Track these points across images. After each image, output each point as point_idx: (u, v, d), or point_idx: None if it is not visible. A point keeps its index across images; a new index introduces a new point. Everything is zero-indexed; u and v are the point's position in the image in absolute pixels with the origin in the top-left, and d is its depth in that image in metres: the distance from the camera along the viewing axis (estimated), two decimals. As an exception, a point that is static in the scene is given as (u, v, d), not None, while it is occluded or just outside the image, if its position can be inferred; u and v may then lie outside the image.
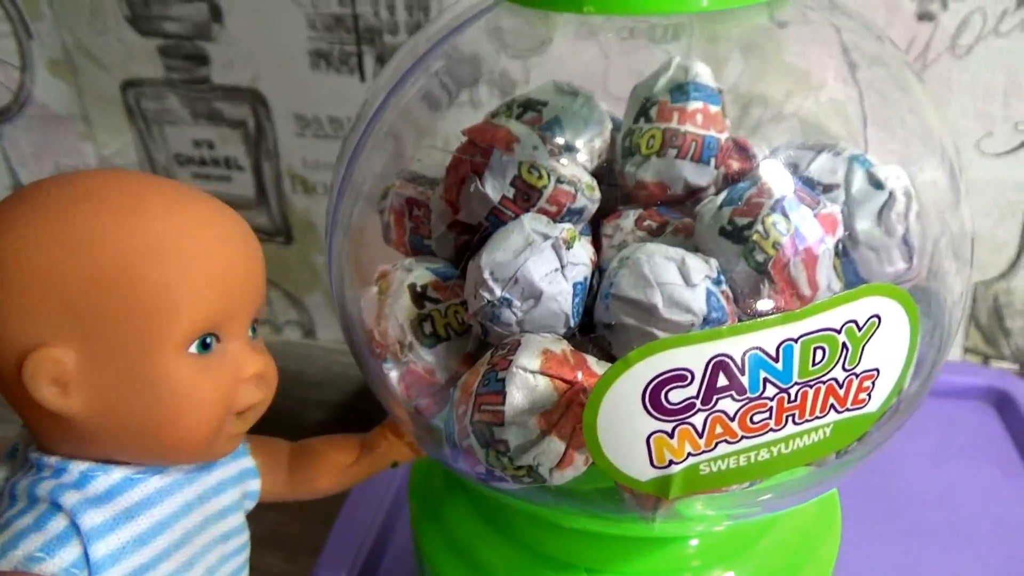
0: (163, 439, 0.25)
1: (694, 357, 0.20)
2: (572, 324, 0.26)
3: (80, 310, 0.24)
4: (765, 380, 0.20)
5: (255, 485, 0.31)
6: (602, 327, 0.26)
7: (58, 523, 0.24)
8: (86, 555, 0.24)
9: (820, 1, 0.30)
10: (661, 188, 0.31)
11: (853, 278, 0.29)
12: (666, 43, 0.35)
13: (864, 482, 0.47)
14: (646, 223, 0.31)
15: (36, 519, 0.24)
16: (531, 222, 0.26)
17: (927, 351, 0.26)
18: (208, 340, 0.25)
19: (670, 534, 0.28)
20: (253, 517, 0.70)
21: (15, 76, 0.67)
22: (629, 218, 0.31)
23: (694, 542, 0.31)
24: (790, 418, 0.21)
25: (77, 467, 0.25)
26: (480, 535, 0.31)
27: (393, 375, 0.27)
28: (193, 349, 0.25)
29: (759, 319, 0.20)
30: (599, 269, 0.29)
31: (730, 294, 0.25)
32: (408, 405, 0.27)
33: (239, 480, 0.30)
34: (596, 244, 0.32)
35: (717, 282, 0.25)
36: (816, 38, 0.32)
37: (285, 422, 0.82)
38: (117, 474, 0.26)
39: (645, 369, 0.20)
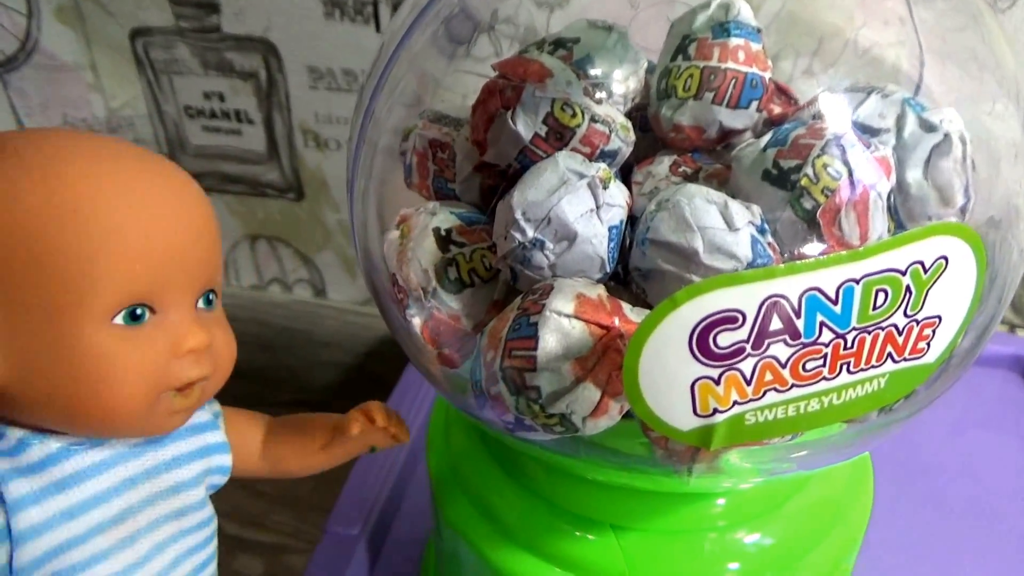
0: (88, 411, 0.24)
1: (747, 297, 0.18)
2: (608, 269, 0.24)
3: (1, 271, 0.23)
4: (822, 324, 0.19)
5: (224, 460, 0.29)
6: (637, 274, 0.25)
7: None
8: (8, 526, 0.23)
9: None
10: (698, 132, 0.29)
11: (899, 229, 0.27)
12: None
13: (887, 451, 0.46)
14: (681, 169, 0.29)
15: None
16: (565, 160, 0.25)
17: (984, 304, 0.25)
18: (138, 311, 0.24)
19: (700, 489, 0.27)
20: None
21: (21, 23, 0.65)
22: (663, 164, 0.29)
23: (721, 501, 0.30)
24: (845, 366, 0.20)
25: (15, 434, 0.24)
26: (502, 492, 0.30)
27: (416, 321, 0.26)
28: (119, 320, 0.23)
29: (819, 258, 0.18)
30: (631, 216, 0.27)
31: (776, 245, 0.24)
32: (432, 353, 0.26)
33: (201, 455, 0.28)
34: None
35: (762, 231, 0.24)
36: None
37: (295, 381, 0.83)
38: (53, 444, 0.24)
39: (693, 310, 0.18)
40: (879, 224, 0.24)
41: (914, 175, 0.27)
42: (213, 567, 0.29)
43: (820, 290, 0.18)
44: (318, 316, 0.73)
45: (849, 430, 0.26)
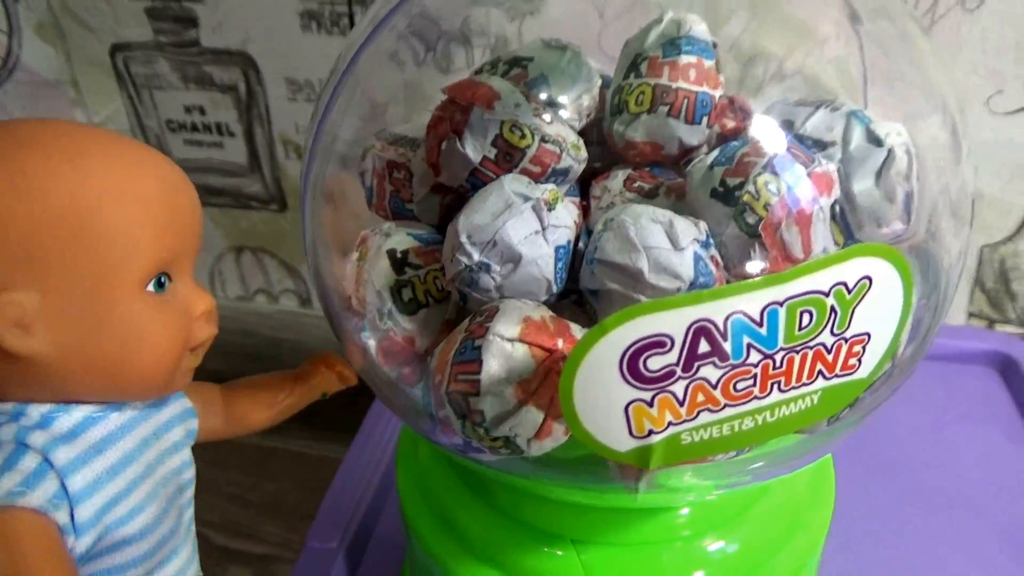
0: (127, 375, 0.26)
1: (674, 322, 0.19)
2: (554, 290, 0.25)
3: (39, 254, 0.24)
4: (749, 346, 0.19)
5: (194, 424, 0.32)
6: (588, 293, 0.25)
7: (30, 461, 0.25)
8: (64, 488, 0.25)
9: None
10: (653, 148, 0.29)
11: (849, 240, 0.28)
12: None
13: (865, 446, 0.47)
14: (637, 184, 0.30)
15: (5, 460, 0.25)
16: (511, 183, 0.25)
17: (923, 314, 0.25)
18: (163, 279, 0.27)
19: (657, 505, 0.27)
20: (251, 487, 0.70)
21: (2, 40, 0.66)
22: (618, 179, 0.30)
23: (684, 511, 0.30)
24: (775, 385, 0.20)
25: (36, 410, 0.26)
26: (466, 506, 0.31)
27: (371, 343, 0.26)
28: (150, 288, 0.26)
29: (742, 282, 0.19)
30: (589, 232, 0.28)
31: (719, 259, 0.24)
32: (387, 375, 0.27)
33: (182, 419, 0.31)
34: (585, 206, 0.31)
35: (706, 245, 0.24)
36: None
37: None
38: (78, 414, 0.26)
39: (621, 336, 0.19)
40: (821, 236, 0.25)
41: (861, 187, 0.28)
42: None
43: (745, 313, 0.19)
44: (304, 326, 0.73)
45: (801, 440, 0.27)
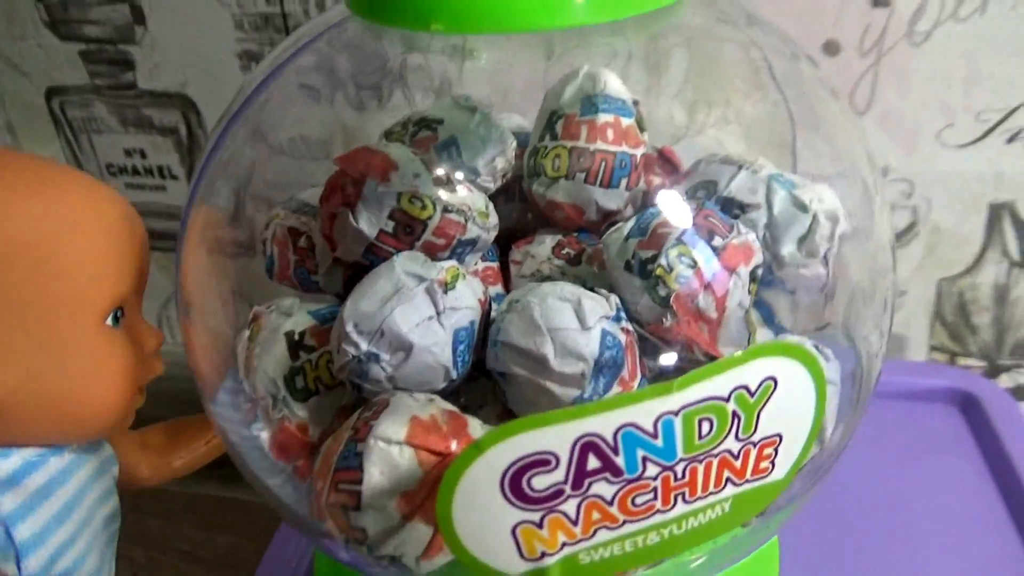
0: (81, 413, 0.25)
1: (557, 438, 0.17)
2: (454, 376, 0.23)
3: None
4: (644, 459, 0.17)
5: (116, 471, 0.30)
6: (496, 374, 0.24)
7: None
8: (10, 537, 0.24)
9: (737, 15, 0.27)
10: (578, 211, 0.28)
11: (784, 290, 0.26)
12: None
13: (817, 494, 0.45)
14: (564, 251, 0.28)
15: None
16: (404, 263, 0.23)
17: (848, 395, 0.23)
18: (118, 313, 0.26)
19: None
20: (203, 541, 0.67)
21: (-67, 86, 0.64)
22: (544, 244, 0.28)
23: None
24: (679, 497, 0.18)
25: None
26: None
27: (264, 436, 0.24)
28: (108, 322, 0.25)
29: (629, 393, 0.17)
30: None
31: (630, 327, 0.23)
32: (278, 472, 0.24)
33: (108, 465, 0.29)
34: (505, 271, 0.29)
35: (616, 319, 0.22)
36: (741, 52, 0.29)
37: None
38: (16, 458, 0.25)
39: (500, 454, 0.17)
40: (737, 305, 0.23)
41: (789, 250, 0.26)
42: None
43: (636, 425, 0.17)
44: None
45: (739, 532, 0.25)
